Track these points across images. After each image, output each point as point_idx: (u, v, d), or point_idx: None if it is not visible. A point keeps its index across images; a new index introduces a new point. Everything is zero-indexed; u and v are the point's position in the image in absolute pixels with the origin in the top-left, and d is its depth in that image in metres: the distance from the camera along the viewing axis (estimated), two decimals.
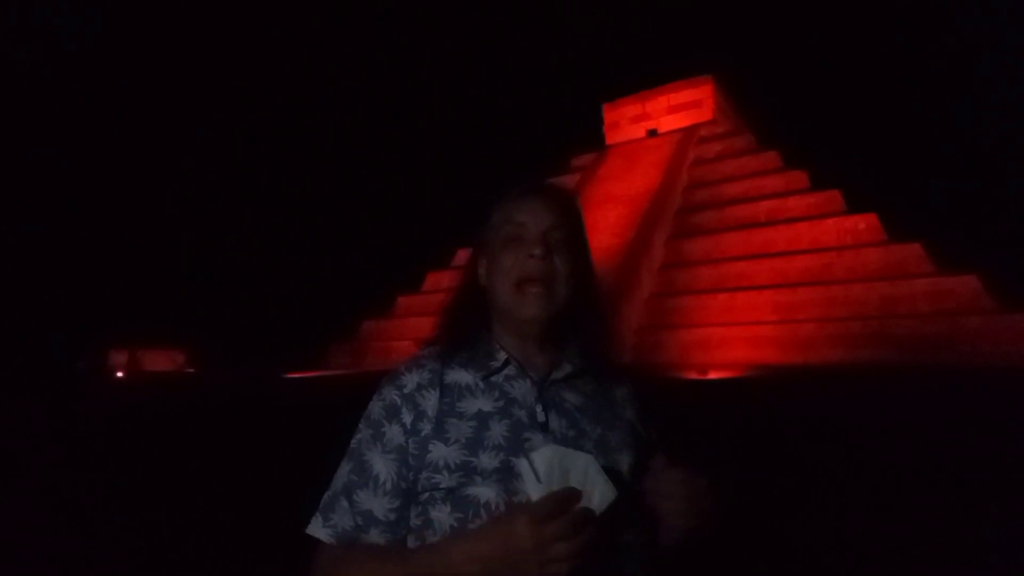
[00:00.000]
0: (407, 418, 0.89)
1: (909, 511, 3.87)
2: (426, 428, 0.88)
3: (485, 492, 0.83)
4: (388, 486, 0.86)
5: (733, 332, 20.34)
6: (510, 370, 0.94)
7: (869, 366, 15.91)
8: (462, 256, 32.12)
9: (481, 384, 0.93)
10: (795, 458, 5.56)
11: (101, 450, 7.36)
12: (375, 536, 0.85)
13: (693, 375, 15.27)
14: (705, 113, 34.82)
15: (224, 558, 3.40)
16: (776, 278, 21.81)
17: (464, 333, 0.99)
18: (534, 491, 0.76)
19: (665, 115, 36.13)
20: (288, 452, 6.67)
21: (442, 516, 0.83)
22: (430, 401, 0.90)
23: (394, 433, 0.88)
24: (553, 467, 0.77)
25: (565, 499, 0.73)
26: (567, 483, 0.76)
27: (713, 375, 15.31)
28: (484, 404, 0.90)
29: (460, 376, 0.94)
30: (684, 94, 35.87)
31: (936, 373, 13.00)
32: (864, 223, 22.33)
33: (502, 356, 0.95)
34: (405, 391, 0.91)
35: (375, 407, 0.92)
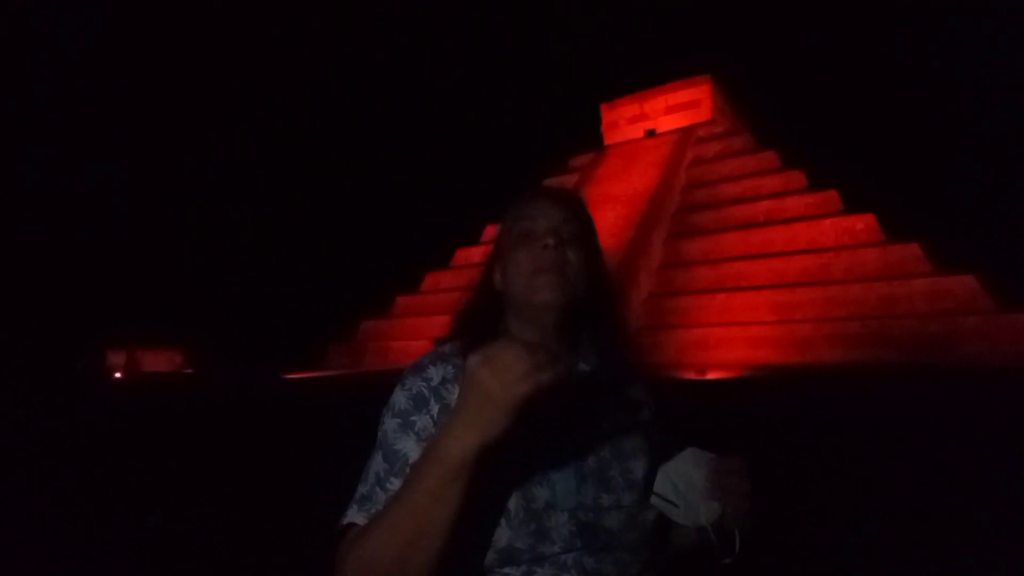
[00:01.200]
0: (434, 409, 0.88)
1: (907, 511, 3.88)
2: None
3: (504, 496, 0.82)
4: None
5: (731, 332, 20.37)
6: None
7: (867, 366, 15.95)
8: (461, 256, 32.15)
9: None
10: (794, 458, 5.57)
11: (99, 451, 7.35)
12: None
13: (692, 375, 15.27)
14: (703, 113, 34.87)
15: (223, 558, 3.40)
16: (774, 278, 21.84)
17: (483, 331, 0.97)
18: (674, 501, 0.79)
19: (663, 115, 36.19)
20: (287, 452, 6.67)
21: None
22: (455, 396, 0.88)
23: (425, 422, 0.87)
24: (684, 471, 0.80)
25: (528, 346, 0.69)
26: (695, 486, 0.79)
27: (712, 375, 15.33)
28: None
29: None
30: (682, 94, 35.92)
31: (934, 373, 13.03)
32: (862, 223, 22.37)
33: None
34: (432, 383, 0.90)
35: (400, 398, 0.90)
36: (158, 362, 40.18)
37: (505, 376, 0.67)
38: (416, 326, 27.03)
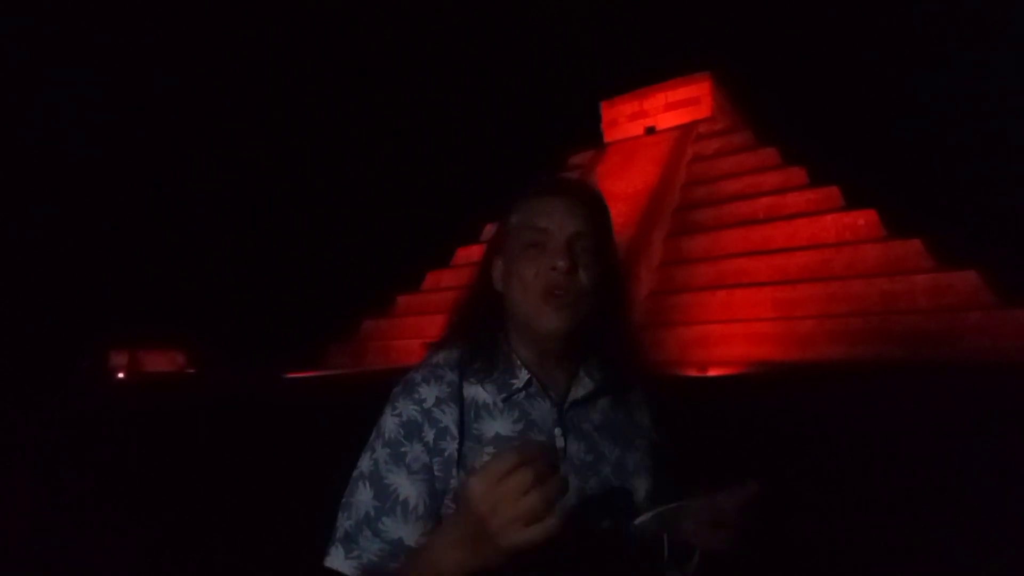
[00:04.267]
0: (429, 436, 0.81)
1: (909, 507, 3.87)
2: (450, 447, 0.81)
3: None
4: (420, 510, 0.79)
5: (733, 329, 20.34)
6: (530, 389, 0.88)
7: (869, 362, 15.92)
8: (461, 255, 32.13)
9: (500, 403, 0.86)
10: (795, 455, 5.56)
11: (102, 451, 7.36)
12: None
13: (693, 372, 15.27)
14: (703, 110, 34.80)
15: (224, 558, 3.40)
16: (775, 275, 21.81)
17: (479, 339, 0.91)
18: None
19: (663, 112, 36.12)
20: (288, 452, 6.68)
21: None
22: (450, 416, 0.83)
23: (417, 453, 0.81)
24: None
25: (525, 450, 0.59)
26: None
27: (713, 372, 15.32)
28: (503, 426, 0.84)
29: (478, 392, 0.86)
30: (682, 91, 35.85)
31: (936, 369, 13.00)
32: (863, 219, 22.32)
33: (524, 375, 0.88)
34: (425, 406, 0.83)
35: (390, 423, 0.83)
36: (160, 362, 40.26)
37: (505, 516, 0.57)
38: (417, 325, 27.04)
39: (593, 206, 0.91)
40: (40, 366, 33.98)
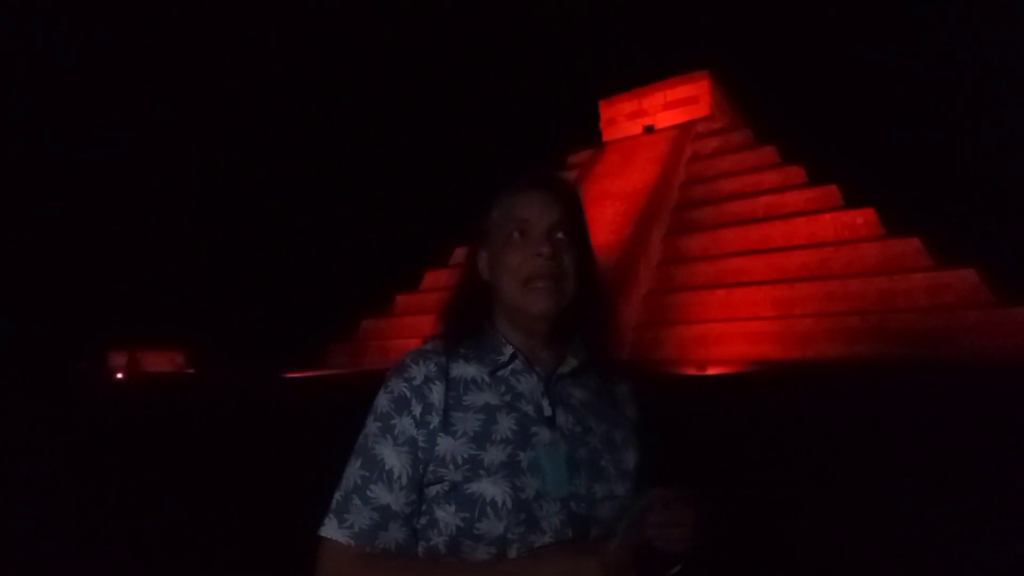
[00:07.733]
0: (416, 410, 0.88)
1: (907, 506, 3.88)
2: (434, 420, 0.87)
3: (491, 489, 0.82)
4: (403, 480, 0.85)
5: (731, 328, 20.35)
6: (516, 364, 0.93)
7: (867, 361, 15.92)
8: (460, 255, 32.03)
9: (487, 378, 0.92)
10: (794, 453, 5.57)
11: (101, 452, 7.36)
12: (395, 531, 0.83)
13: (692, 371, 15.28)
14: (702, 109, 34.75)
15: (224, 558, 3.41)
16: (774, 274, 21.81)
17: (466, 323, 0.98)
18: None
19: (662, 111, 36.06)
20: (288, 452, 6.68)
21: (447, 516, 0.83)
22: (437, 394, 0.89)
23: (405, 425, 0.87)
24: None
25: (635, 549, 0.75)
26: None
27: (712, 371, 15.33)
28: (491, 397, 0.89)
29: (465, 370, 0.92)
30: (681, 90, 35.79)
31: (935, 367, 13.01)
32: (862, 218, 22.32)
33: (508, 350, 0.94)
34: (414, 383, 0.90)
35: (382, 400, 0.90)
36: (159, 363, 40.21)
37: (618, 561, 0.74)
38: (416, 324, 27.02)
39: (570, 198, 0.98)
40: (39, 366, 33.93)
